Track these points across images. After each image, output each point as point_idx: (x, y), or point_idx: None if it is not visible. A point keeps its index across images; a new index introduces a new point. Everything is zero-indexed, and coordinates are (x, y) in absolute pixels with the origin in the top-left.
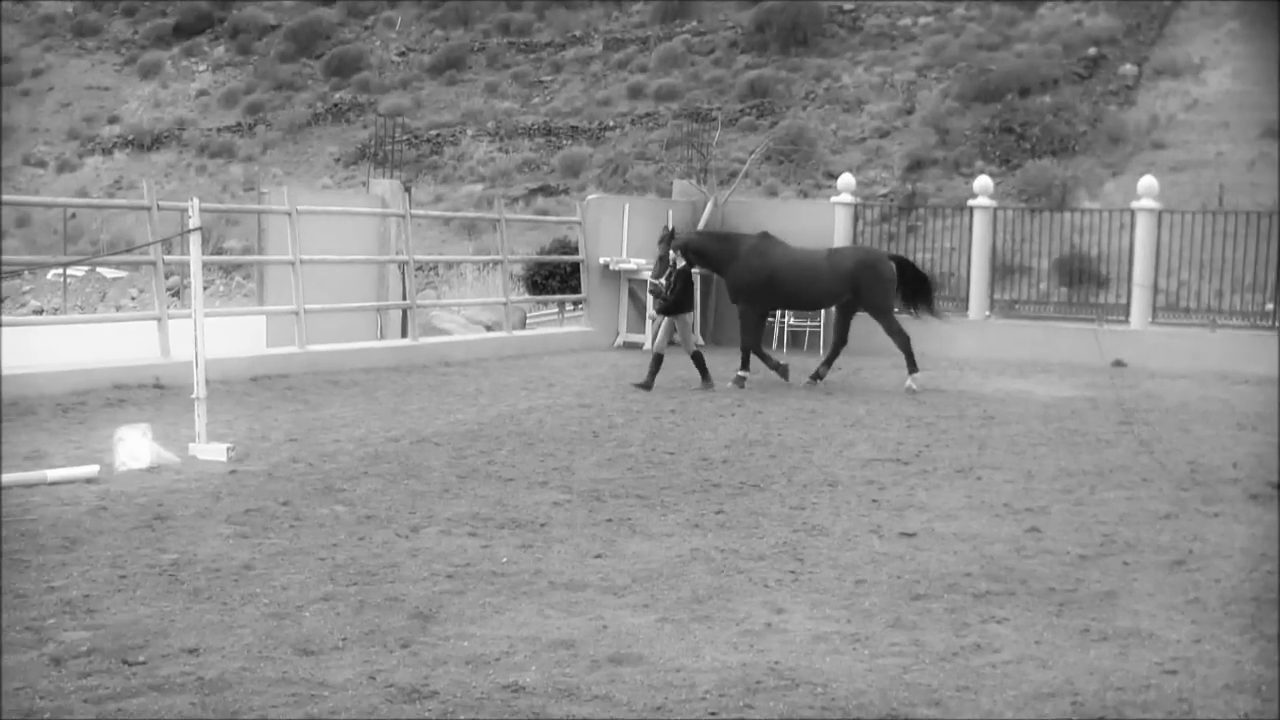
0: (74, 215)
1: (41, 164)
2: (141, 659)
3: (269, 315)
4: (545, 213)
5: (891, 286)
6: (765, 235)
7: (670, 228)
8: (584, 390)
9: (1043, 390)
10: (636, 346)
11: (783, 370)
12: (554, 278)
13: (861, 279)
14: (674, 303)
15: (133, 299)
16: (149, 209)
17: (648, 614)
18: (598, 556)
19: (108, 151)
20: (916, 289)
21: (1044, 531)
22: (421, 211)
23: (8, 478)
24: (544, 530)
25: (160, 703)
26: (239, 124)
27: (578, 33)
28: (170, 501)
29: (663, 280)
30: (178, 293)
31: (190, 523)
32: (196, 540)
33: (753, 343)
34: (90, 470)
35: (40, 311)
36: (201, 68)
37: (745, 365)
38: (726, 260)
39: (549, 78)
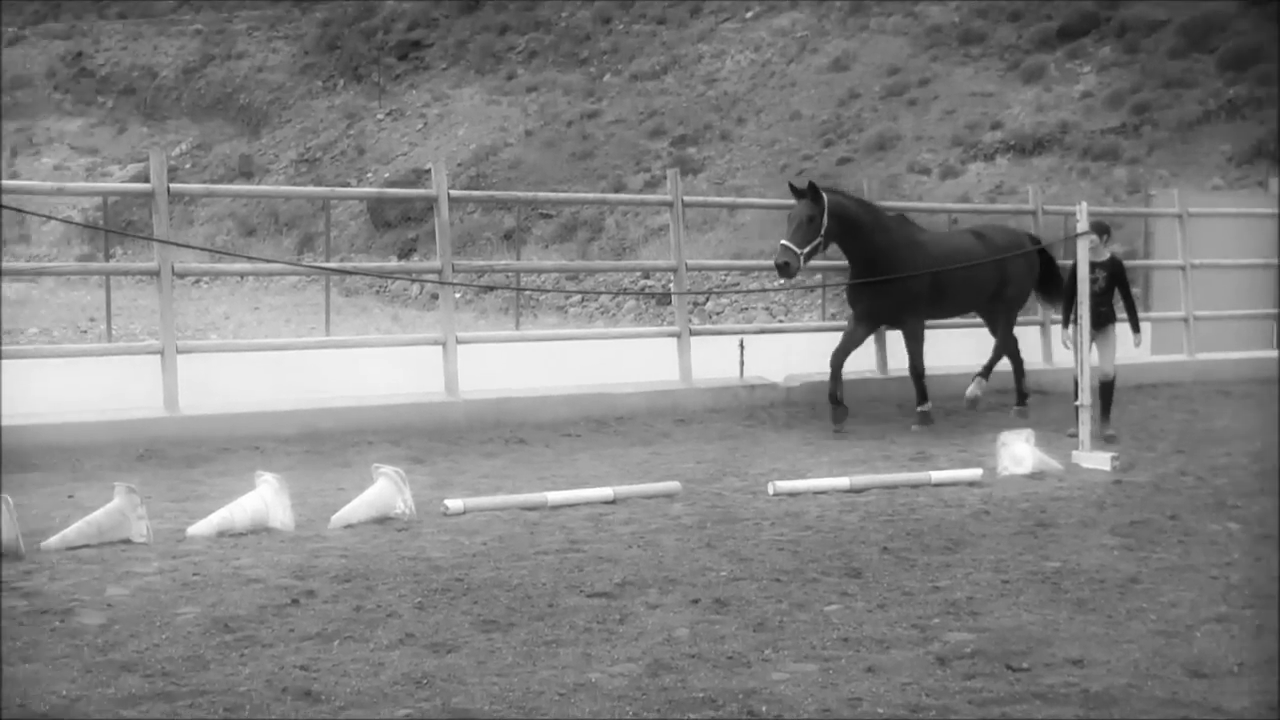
0: (955, 220)
1: (926, 171)
2: (1025, 665)
3: (1155, 321)
4: None
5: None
6: (903, 218)
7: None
8: None
9: None
10: None
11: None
12: None
13: (1011, 266)
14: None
15: None
16: (1033, 213)
17: None
18: None
19: (989, 157)
20: (1053, 280)
21: None
22: None
23: (899, 477)
24: None
25: (1044, 712)
26: (1124, 125)
27: None
28: (1053, 509)
29: (802, 250)
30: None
31: (1073, 531)
32: (1080, 549)
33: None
34: (974, 473)
35: None
36: (1086, 69)
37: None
38: None
39: None
